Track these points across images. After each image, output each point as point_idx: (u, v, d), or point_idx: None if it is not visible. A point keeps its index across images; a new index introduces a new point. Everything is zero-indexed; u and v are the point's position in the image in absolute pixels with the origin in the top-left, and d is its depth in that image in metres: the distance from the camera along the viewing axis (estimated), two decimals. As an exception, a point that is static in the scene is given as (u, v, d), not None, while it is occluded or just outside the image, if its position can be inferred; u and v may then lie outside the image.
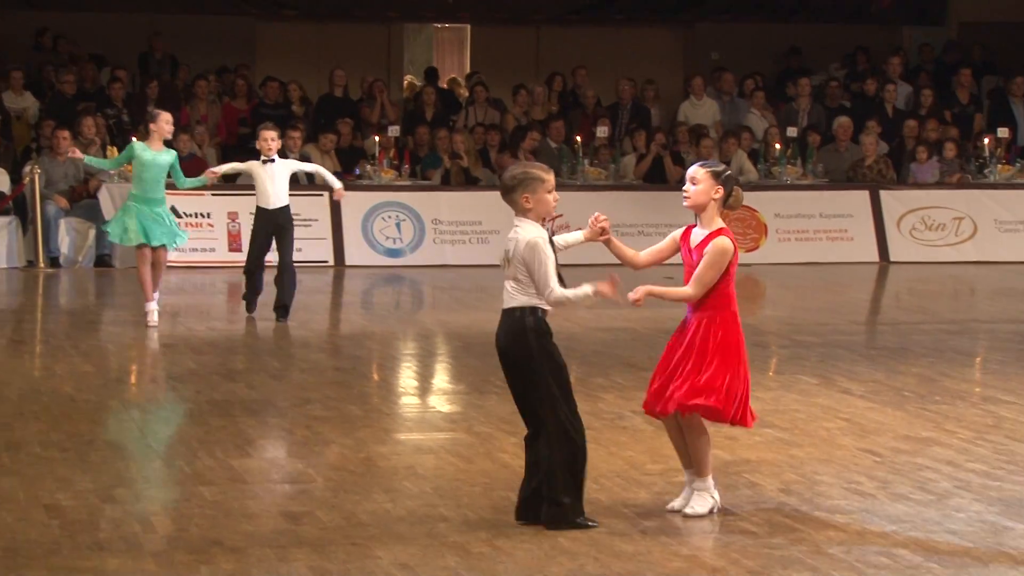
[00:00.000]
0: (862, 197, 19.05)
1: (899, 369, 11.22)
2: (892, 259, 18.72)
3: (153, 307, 13.06)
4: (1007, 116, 21.02)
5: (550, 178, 7.19)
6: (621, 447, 8.69)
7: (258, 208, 13.57)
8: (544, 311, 7.14)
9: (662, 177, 19.34)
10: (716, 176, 7.13)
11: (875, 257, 18.76)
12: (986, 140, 19.66)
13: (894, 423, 9.35)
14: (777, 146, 19.54)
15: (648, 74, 22.28)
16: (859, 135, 19.94)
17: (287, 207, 13.51)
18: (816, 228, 18.93)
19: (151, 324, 12.97)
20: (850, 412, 9.60)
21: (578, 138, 19.28)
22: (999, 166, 19.35)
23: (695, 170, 7.21)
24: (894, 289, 17.61)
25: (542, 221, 7.20)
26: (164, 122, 13.08)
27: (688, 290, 7.14)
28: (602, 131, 19.69)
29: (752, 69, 22.36)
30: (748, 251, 18.69)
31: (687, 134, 19.88)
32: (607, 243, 7.45)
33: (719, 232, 7.06)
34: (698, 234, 7.14)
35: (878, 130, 19.94)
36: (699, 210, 7.15)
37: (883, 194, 19.03)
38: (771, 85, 22.10)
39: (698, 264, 7.09)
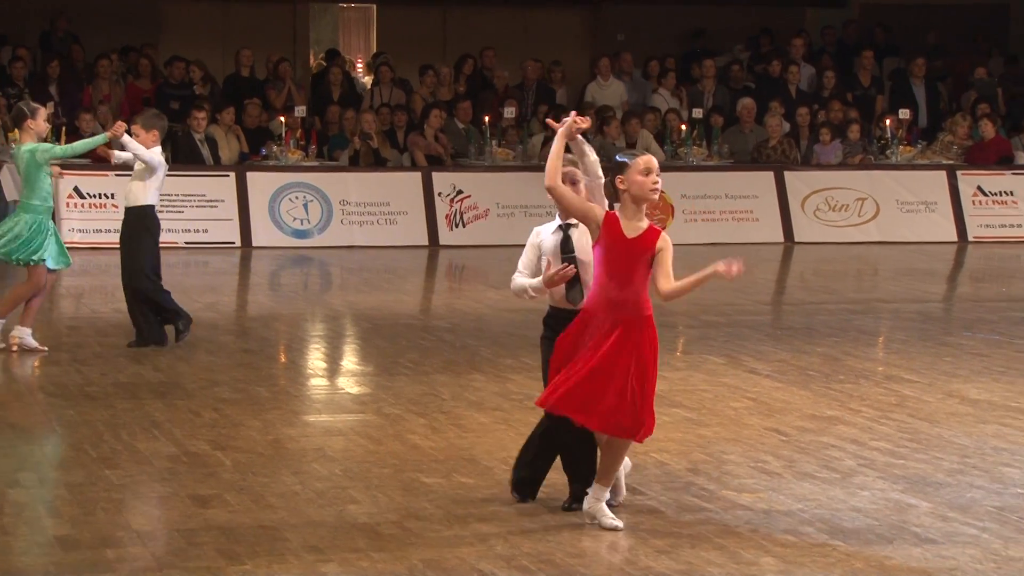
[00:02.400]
0: (767, 178, 19.18)
1: (804, 349, 11.31)
2: (797, 240, 18.85)
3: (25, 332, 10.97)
4: (908, 98, 21.23)
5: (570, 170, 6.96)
6: (530, 427, 8.65)
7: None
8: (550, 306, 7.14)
9: (569, 158, 19.30)
10: None
11: (780, 238, 18.89)
12: (887, 121, 19.86)
13: (800, 402, 9.43)
14: (683, 127, 19.63)
15: (555, 55, 22.28)
16: (763, 116, 20.06)
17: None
18: (722, 209, 19.03)
19: (25, 348, 10.91)
20: (756, 392, 9.67)
21: (486, 119, 19.25)
22: (901, 147, 19.54)
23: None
24: (799, 269, 17.75)
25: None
26: (42, 118, 11.06)
27: (671, 286, 6.70)
28: (509, 112, 19.67)
29: (658, 51, 22.43)
30: (655, 232, 18.76)
31: (594, 115, 19.90)
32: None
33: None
34: (638, 227, 6.69)
35: (782, 111, 20.07)
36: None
37: (787, 175, 19.16)
38: (677, 66, 22.17)
39: (639, 256, 6.62)
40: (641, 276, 6.60)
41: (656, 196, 6.78)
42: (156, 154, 11.08)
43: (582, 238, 6.90)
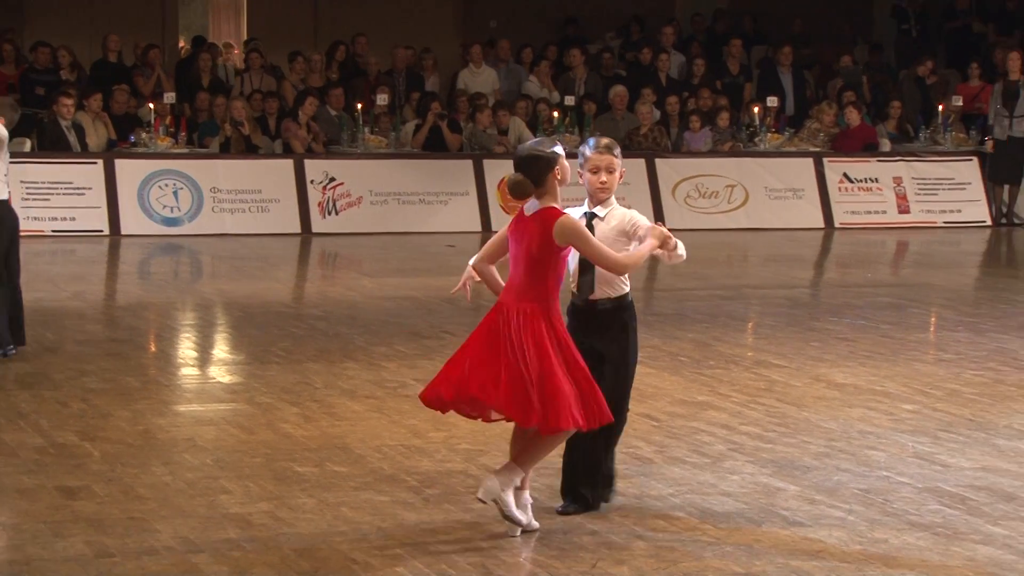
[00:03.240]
0: (638, 165, 19.29)
1: (675, 335, 11.41)
2: (668, 226, 18.79)
3: None
4: (775, 85, 21.48)
5: (593, 155, 6.79)
6: (404, 415, 8.67)
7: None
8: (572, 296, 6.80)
9: (441, 145, 19.34)
10: None
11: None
12: (755, 109, 20.09)
13: (670, 388, 9.51)
14: (555, 115, 19.70)
15: (427, 42, 22.25)
16: (635, 104, 20.19)
17: None
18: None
19: None
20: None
21: (359, 106, 19.17)
22: (769, 135, 19.78)
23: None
24: (669, 255, 17.86)
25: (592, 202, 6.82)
26: None
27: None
28: (382, 99, 19.60)
29: (530, 37, 22.48)
30: (527, 219, 18.82)
31: (466, 103, 19.91)
32: None
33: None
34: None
35: (653, 99, 20.21)
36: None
37: (658, 162, 19.30)
38: (548, 54, 22.24)
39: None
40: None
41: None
42: None
43: (605, 228, 6.68)
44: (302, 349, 10.75)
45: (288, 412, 8.71)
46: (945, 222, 19.68)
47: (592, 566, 6.03)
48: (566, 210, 6.60)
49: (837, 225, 19.34)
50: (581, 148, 6.87)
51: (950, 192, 19.88)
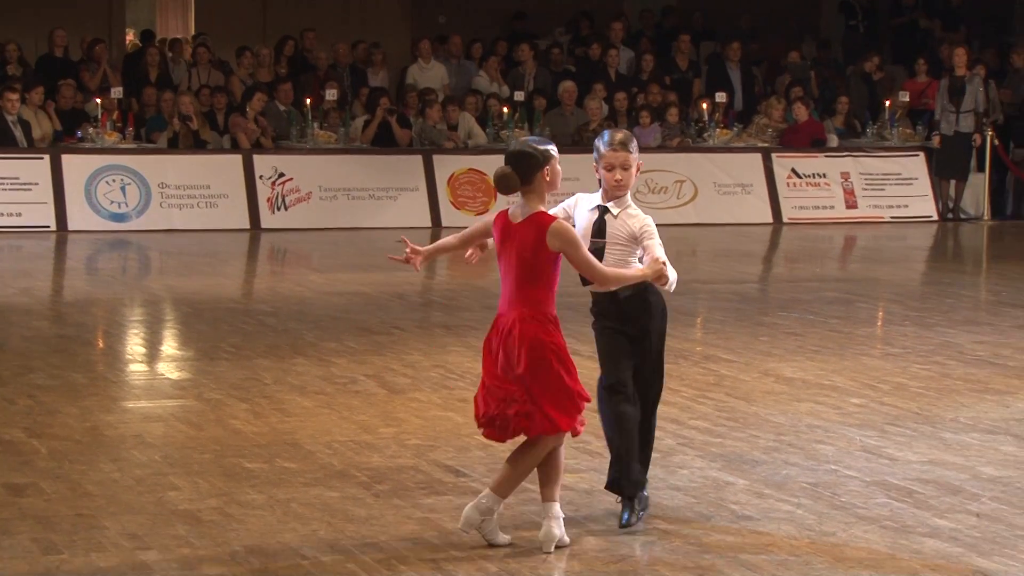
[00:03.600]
0: (587, 160, 19.25)
1: (624, 329, 11.41)
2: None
3: None
4: (724, 81, 21.56)
5: (608, 152, 6.65)
6: (354, 411, 8.66)
7: None
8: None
9: (391, 140, 19.31)
10: None
11: (600, 219, 19.04)
12: (704, 105, 20.15)
13: (620, 382, 9.50)
14: (505, 110, 19.70)
15: (376, 37, 22.20)
16: (584, 99, 20.21)
17: None
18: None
19: None
20: (579, 373, 9.70)
21: (308, 101, 19.11)
22: (718, 130, 19.85)
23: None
24: (619, 251, 17.89)
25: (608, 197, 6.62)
26: None
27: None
28: (331, 94, 19.55)
29: (479, 33, 22.46)
30: (478, 214, 18.81)
31: (415, 98, 19.88)
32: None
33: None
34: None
35: (602, 94, 20.24)
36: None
37: (607, 157, 19.29)
38: (498, 49, 22.23)
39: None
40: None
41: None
42: None
43: (616, 225, 6.57)
44: (251, 345, 10.70)
45: (237, 408, 8.68)
46: (892, 217, 19.80)
47: (543, 561, 6.03)
48: (585, 194, 6.57)
49: (785, 220, 19.43)
50: (596, 143, 6.73)
51: (897, 187, 20.01)
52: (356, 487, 7.06)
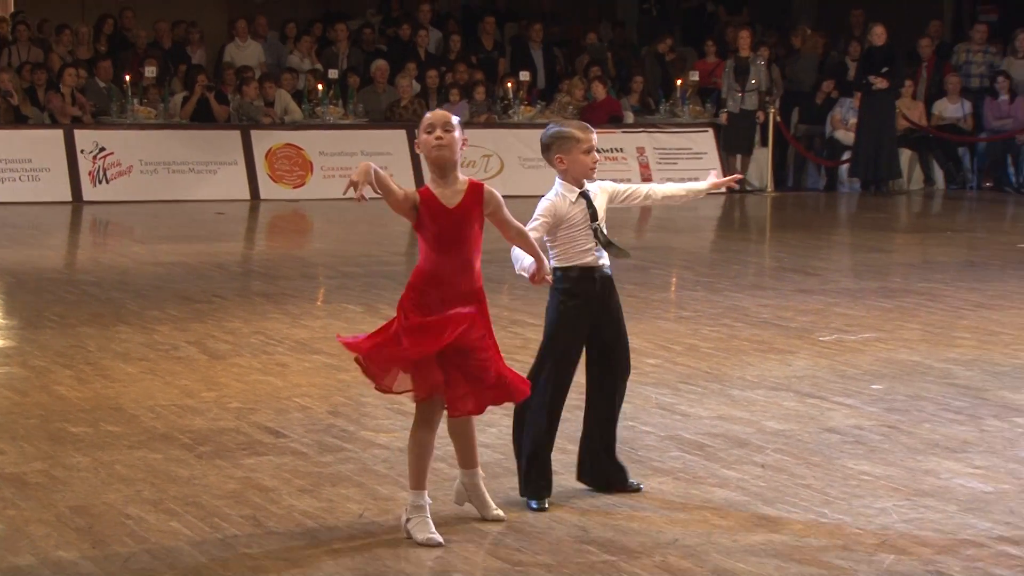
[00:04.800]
0: (399, 136, 19.29)
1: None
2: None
3: None
4: (528, 61, 21.68)
5: (587, 137, 6.31)
6: (176, 376, 8.55)
7: None
8: (565, 269, 6.41)
9: (209, 116, 19.05)
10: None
11: (412, 192, 19.03)
12: (509, 83, 20.25)
13: (431, 346, 9.51)
14: (320, 87, 19.59)
15: (193, 16, 21.86)
16: (395, 77, 20.16)
17: None
18: (357, 164, 19.06)
19: None
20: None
21: (127, 78, 18.78)
22: (522, 107, 19.98)
23: None
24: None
25: (580, 183, 6.38)
26: None
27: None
28: (150, 71, 19.24)
29: (293, 13, 22.26)
30: (295, 187, 18.68)
31: (233, 75, 19.64)
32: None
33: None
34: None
35: (413, 73, 20.22)
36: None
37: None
38: (313, 30, 22.07)
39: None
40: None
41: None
42: None
43: (601, 199, 6.46)
44: (75, 314, 10.50)
45: (62, 375, 8.52)
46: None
47: (359, 516, 6.04)
48: (538, 220, 6.52)
49: (585, 192, 19.62)
50: (562, 131, 6.50)
51: (688, 161, 20.33)
52: (179, 449, 6.98)
